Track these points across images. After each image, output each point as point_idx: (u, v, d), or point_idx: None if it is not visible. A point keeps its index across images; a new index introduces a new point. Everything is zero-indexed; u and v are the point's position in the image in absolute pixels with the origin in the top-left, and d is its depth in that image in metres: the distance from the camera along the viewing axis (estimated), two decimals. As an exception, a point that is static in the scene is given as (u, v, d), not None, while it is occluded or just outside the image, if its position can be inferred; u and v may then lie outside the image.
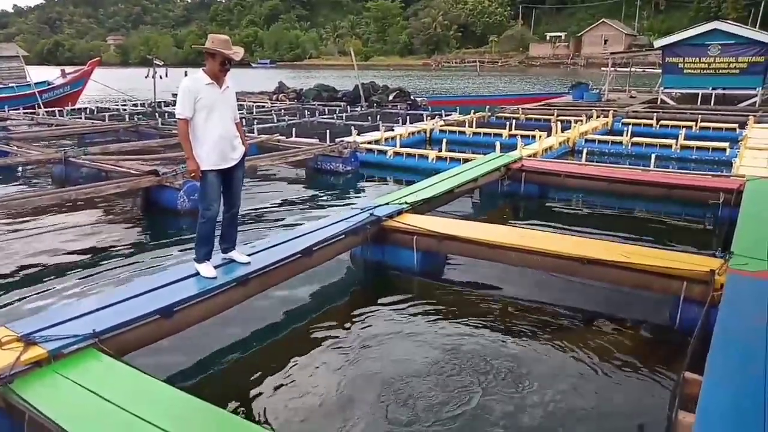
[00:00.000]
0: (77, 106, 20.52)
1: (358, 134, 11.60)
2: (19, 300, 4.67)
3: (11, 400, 2.62)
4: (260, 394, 3.39)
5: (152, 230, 6.88)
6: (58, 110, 18.14)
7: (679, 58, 16.89)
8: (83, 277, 5.15)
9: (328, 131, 11.20)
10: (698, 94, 16.93)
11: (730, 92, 16.66)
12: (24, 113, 17.38)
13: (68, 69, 23.13)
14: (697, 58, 16.59)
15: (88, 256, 5.75)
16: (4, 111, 17.32)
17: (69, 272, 5.28)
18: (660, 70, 18.44)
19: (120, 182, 7.27)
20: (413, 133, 12.68)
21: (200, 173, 3.87)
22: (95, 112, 18.25)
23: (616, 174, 7.53)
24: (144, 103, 20.39)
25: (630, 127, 12.31)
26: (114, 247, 6.03)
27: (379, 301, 4.60)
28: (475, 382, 3.40)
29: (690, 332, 3.46)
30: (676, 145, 10.71)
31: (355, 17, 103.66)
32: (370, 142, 10.96)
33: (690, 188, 6.91)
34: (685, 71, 16.89)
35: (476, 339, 3.96)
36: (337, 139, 10.43)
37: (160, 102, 19.31)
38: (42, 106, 18.31)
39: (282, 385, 3.46)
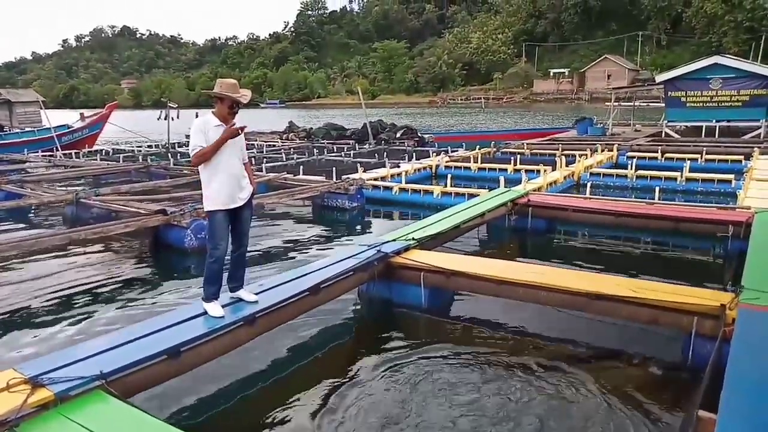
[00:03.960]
0: (94, 148, 21.01)
1: (364, 171, 11.73)
2: (27, 341, 4.69)
3: (17, 444, 2.61)
4: (266, 435, 3.34)
5: (160, 269, 6.93)
6: (75, 152, 18.57)
7: (681, 92, 17.11)
8: (91, 318, 5.17)
9: (334, 168, 11.34)
10: (702, 126, 17.05)
11: (735, 124, 16.77)
12: (42, 156, 17.79)
13: (87, 112, 23.76)
14: (699, 92, 16.80)
15: (97, 296, 5.78)
16: (24, 154, 17.77)
17: (77, 313, 5.30)
18: (663, 104, 18.63)
19: (128, 222, 7.36)
20: (419, 170, 12.80)
21: (209, 213, 3.95)
22: (110, 154, 18.69)
23: (623, 208, 7.52)
24: (158, 144, 20.83)
25: (635, 160, 12.36)
26: (122, 286, 6.07)
27: (386, 339, 4.56)
28: (483, 420, 3.34)
29: (703, 368, 3.40)
30: (681, 177, 10.72)
31: (362, 58, 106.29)
32: (376, 179, 11.08)
33: (698, 221, 6.87)
34: (688, 105, 17.08)
35: (484, 376, 3.90)
36: (344, 176, 10.56)
37: (174, 143, 19.72)
38: (60, 149, 18.73)
39: (288, 425, 3.42)
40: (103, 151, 19.66)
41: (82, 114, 23.34)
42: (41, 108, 23.12)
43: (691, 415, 2.83)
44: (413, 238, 5.75)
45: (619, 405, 3.54)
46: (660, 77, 18.29)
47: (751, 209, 6.79)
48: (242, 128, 3.89)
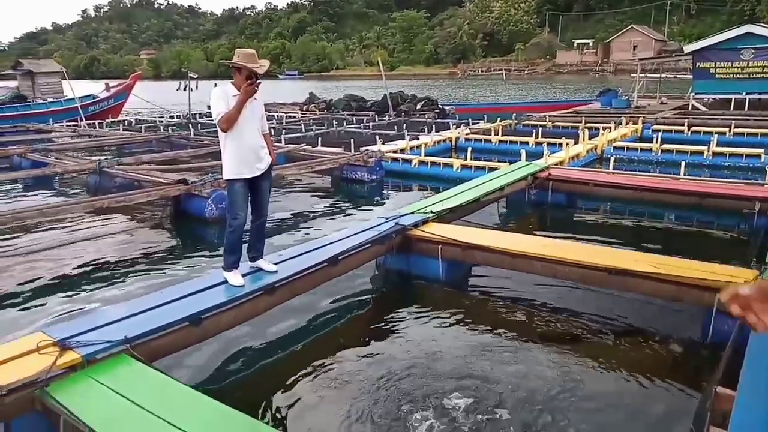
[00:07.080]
0: (119, 118, 21.23)
1: (384, 143, 11.66)
2: (55, 305, 4.83)
3: (48, 403, 2.72)
4: (284, 401, 3.42)
5: (181, 238, 7.04)
6: (98, 122, 18.80)
7: (710, 63, 16.53)
8: (114, 284, 5.31)
9: (352, 140, 11.30)
10: (731, 99, 16.50)
11: (766, 97, 16.20)
12: (67, 125, 18.05)
13: (111, 83, 23.92)
14: (730, 63, 16.20)
15: (120, 263, 5.91)
16: (50, 124, 18.03)
17: (101, 278, 5.44)
18: (691, 76, 18.05)
19: (150, 191, 7.47)
20: (438, 142, 12.68)
21: (227, 182, 3.99)
22: (132, 124, 18.88)
23: (646, 182, 7.38)
24: (180, 115, 20.93)
25: (660, 133, 12.06)
26: (144, 254, 6.19)
27: (404, 310, 4.61)
28: (500, 393, 3.37)
29: (723, 345, 3.37)
30: (708, 151, 10.44)
31: (381, 28, 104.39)
32: (395, 151, 11.01)
33: (723, 197, 6.72)
34: (717, 76, 16.51)
35: (500, 349, 3.93)
36: (362, 148, 10.51)
37: (194, 114, 19.82)
38: (84, 119, 19.00)
39: (306, 392, 3.49)
40: (126, 121, 19.88)
41: (107, 84, 23.51)
42: (64, 78, 23.28)
43: (710, 391, 2.82)
44: (431, 211, 5.73)
45: (636, 380, 3.54)
46: (688, 48, 17.67)
47: (780, 185, 6.61)
48: (257, 83, 3.86)
